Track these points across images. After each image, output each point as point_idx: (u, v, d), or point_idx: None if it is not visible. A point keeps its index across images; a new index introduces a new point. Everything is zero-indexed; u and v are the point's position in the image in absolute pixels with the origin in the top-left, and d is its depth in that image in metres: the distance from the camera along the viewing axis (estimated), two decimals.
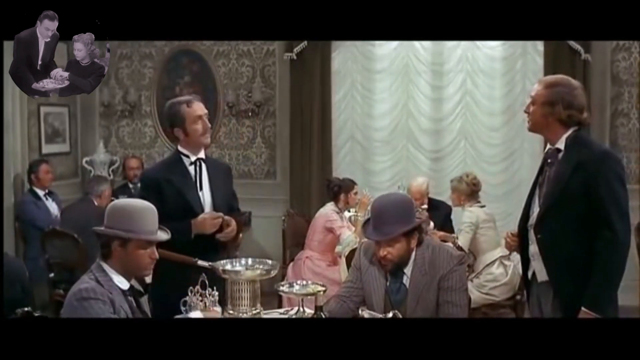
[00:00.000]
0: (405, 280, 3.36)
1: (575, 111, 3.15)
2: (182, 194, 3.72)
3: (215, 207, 3.78)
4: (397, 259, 3.31)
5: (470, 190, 5.65)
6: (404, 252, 3.31)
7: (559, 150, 3.18)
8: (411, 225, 3.30)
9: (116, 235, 2.80)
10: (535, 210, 3.24)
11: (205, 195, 3.79)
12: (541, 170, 3.30)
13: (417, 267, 3.34)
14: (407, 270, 3.36)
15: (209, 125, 3.84)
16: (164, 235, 2.98)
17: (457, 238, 5.54)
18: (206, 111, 3.82)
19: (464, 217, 5.59)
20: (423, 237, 3.39)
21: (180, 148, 3.82)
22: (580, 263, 3.05)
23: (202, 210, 3.74)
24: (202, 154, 3.83)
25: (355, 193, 5.92)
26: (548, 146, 3.29)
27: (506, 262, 5.50)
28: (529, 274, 3.33)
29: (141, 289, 2.93)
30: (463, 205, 5.67)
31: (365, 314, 3.22)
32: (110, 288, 2.75)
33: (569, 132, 3.16)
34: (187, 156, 3.80)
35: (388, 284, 3.39)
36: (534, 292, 3.33)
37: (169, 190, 3.72)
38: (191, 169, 3.79)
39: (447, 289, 3.29)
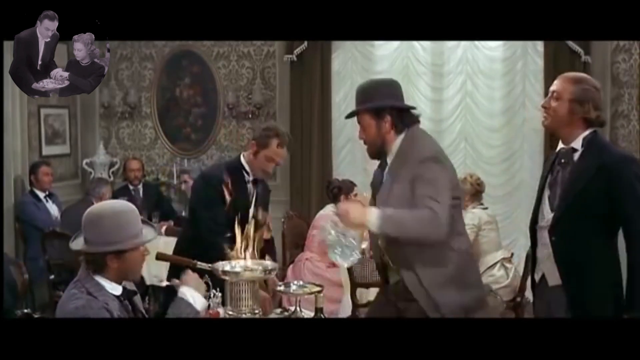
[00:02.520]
0: (386, 169, 3.32)
1: (601, 112, 3.11)
2: (237, 210, 3.75)
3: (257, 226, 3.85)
4: (370, 141, 3.29)
5: (474, 191, 5.62)
6: (375, 136, 3.26)
7: (574, 150, 3.12)
8: (373, 105, 3.24)
9: (114, 250, 2.65)
10: (546, 210, 3.18)
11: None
12: (551, 170, 3.22)
13: (398, 156, 3.26)
14: (389, 159, 3.30)
15: (271, 172, 4.01)
16: (152, 232, 2.86)
17: None
18: (282, 162, 3.99)
19: (466, 218, 5.55)
20: (401, 126, 3.27)
21: (243, 160, 3.94)
22: (597, 266, 3.03)
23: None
24: (256, 176, 3.97)
25: (355, 195, 5.91)
26: (561, 145, 3.20)
27: (507, 265, 5.50)
28: (537, 277, 3.28)
29: (134, 289, 2.87)
30: (466, 206, 5.65)
31: None
32: (105, 298, 2.63)
33: (587, 132, 3.10)
34: (248, 173, 3.94)
35: (374, 179, 3.44)
36: (543, 295, 3.25)
37: (223, 190, 3.82)
38: (248, 185, 3.94)
39: (418, 184, 3.10)
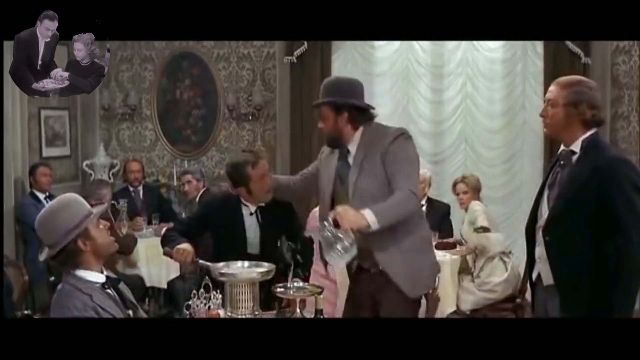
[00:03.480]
0: (350, 157, 3.53)
1: (597, 110, 3.12)
2: (231, 237, 3.92)
3: (263, 252, 3.93)
4: (326, 132, 3.55)
5: (480, 186, 5.81)
6: (333, 129, 3.51)
7: (573, 152, 3.14)
8: (331, 100, 3.48)
9: (77, 233, 2.68)
10: (544, 211, 3.20)
11: (254, 240, 3.97)
12: (551, 171, 3.25)
13: (361, 145, 3.50)
14: (352, 147, 3.53)
15: (271, 182, 3.89)
16: (102, 206, 3.02)
17: (465, 242, 5.65)
18: (267, 166, 3.89)
19: (475, 210, 5.71)
20: (358, 122, 3.50)
21: (241, 198, 3.95)
22: (587, 268, 3.02)
23: (245, 252, 3.87)
24: (262, 202, 3.95)
25: None
26: (562, 147, 3.23)
27: (505, 259, 5.55)
28: (534, 276, 3.30)
29: (116, 277, 2.87)
30: (473, 199, 5.80)
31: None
32: (90, 290, 2.68)
33: (587, 134, 3.12)
34: (247, 206, 3.97)
35: (338, 163, 3.59)
36: (540, 295, 3.29)
37: (219, 230, 3.95)
38: (251, 219, 3.97)
39: (390, 162, 3.40)
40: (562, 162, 3.19)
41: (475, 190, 5.77)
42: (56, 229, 2.68)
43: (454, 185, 5.87)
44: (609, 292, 2.98)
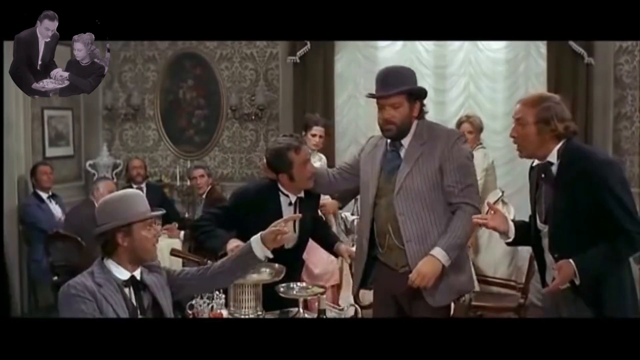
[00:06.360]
0: (402, 150, 3.44)
1: (569, 122, 3.11)
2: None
3: (300, 242, 3.79)
4: (399, 122, 3.39)
5: (483, 126, 6.04)
6: (406, 117, 3.40)
7: (550, 163, 3.12)
8: (414, 87, 3.40)
9: (120, 225, 2.73)
10: (541, 226, 3.20)
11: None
12: (536, 186, 3.24)
13: (416, 137, 3.42)
14: (405, 141, 3.43)
15: (313, 169, 3.79)
16: (159, 211, 2.99)
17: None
18: (309, 152, 3.80)
19: (477, 160, 5.74)
20: (424, 111, 3.47)
21: (280, 187, 3.74)
22: (603, 272, 3.01)
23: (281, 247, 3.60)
24: (302, 193, 3.78)
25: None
26: (536, 161, 3.22)
27: (506, 201, 5.89)
28: (548, 280, 3.25)
29: (144, 282, 2.84)
30: (473, 145, 5.84)
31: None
32: (104, 281, 2.69)
33: (560, 144, 3.11)
34: (287, 196, 3.75)
35: (385, 156, 3.48)
36: (554, 296, 3.22)
37: (255, 222, 3.47)
38: (289, 209, 3.72)
39: (450, 171, 3.35)
40: (542, 175, 3.18)
41: (479, 130, 5.94)
42: (109, 213, 2.77)
43: (459, 124, 5.95)
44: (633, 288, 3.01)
